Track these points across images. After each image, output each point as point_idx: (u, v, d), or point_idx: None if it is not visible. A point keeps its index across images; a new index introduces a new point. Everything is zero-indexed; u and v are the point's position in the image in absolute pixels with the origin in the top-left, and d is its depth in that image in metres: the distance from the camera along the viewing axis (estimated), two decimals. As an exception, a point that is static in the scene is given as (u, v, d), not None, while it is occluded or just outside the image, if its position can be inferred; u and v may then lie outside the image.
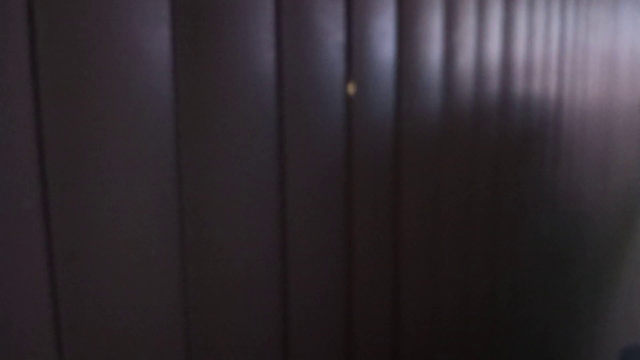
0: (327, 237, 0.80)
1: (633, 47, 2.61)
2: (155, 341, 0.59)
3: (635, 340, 3.41)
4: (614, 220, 2.61)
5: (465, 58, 1.10)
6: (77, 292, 0.52)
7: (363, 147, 0.85)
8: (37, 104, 0.47)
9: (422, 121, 0.98)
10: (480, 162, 1.24)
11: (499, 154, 1.34)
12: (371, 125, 0.86)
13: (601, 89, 2.15)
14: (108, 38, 0.51)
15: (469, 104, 1.14)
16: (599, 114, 2.17)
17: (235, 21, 0.63)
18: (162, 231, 0.58)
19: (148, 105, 0.55)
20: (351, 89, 0.69)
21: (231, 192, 0.65)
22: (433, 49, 0.99)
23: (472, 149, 1.20)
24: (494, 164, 1.31)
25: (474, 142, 1.20)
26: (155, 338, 0.59)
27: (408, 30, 0.91)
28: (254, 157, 0.67)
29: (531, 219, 1.61)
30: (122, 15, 0.52)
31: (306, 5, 0.72)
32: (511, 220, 1.47)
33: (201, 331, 0.64)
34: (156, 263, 0.58)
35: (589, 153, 2.08)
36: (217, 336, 0.66)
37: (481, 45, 1.16)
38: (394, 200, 0.95)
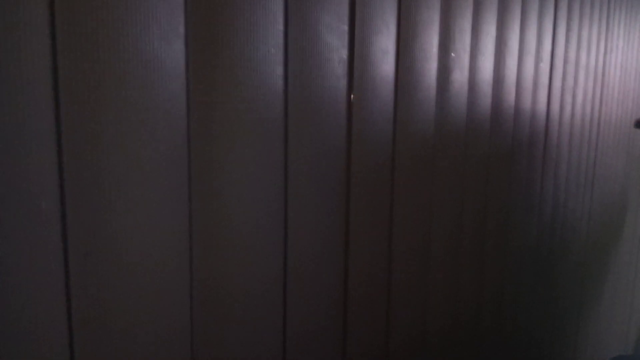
0: (326, 242, 0.82)
1: (624, 64, 2.65)
2: (163, 336, 0.61)
3: (620, 352, 3.44)
4: (599, 233, 2.64)
5: (460, 74, 1.13)
6: (90, 288, 0.53)
7: (362, 156, 0.87)
8: (57, 111, 0.49)
9: (417, 134, 1.00)
10: (470, 174, 1.26)
11: (489, 166, 1.36)
12: (370, 136, 0.88)
13: (591, 105, 2.18)
14: (127, 51, 0.54)
15: (462, 118, 1.17)
16: (589, 128, 2.20)
17: (246, 37, 0.65)
18: (173, 231, 0.60)
19: (162, 113, 0.57)
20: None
21: (238, 195, 0.67)
22: (430, 66, 1.01)
23: (464, 161, 1.22)
24: (483, 176, 1.33)
25: (465, 155, 1.21)
26: (164, 333, 0.61)
27: (407, 49, 0.94)
28: (261, 164, 0.69)
29: (518, 230, 1.63)
30: (141, 30, 0.54)
31: (313, 23, 0.74)
32: (499, 231, 1.48)
33: (206, 327, 0.66)
34: (166, 261, 0.60)
35: (577, 165, 2.11)
36: (221, 331, 0.68)
37: (475, 62, 1.19)
38: (389, 210, 0.96)
